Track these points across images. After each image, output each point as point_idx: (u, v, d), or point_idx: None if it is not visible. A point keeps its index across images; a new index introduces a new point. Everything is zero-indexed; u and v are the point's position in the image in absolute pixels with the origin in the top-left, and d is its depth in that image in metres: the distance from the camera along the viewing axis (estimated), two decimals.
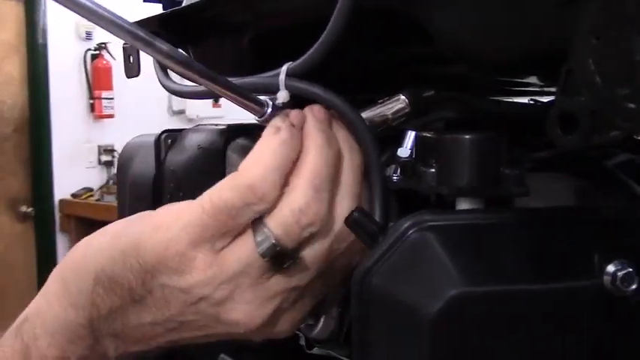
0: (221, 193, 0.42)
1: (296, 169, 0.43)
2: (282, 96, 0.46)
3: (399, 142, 0.50)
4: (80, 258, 0.45)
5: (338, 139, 0.46)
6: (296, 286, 0.44)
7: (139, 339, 0.45)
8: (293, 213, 0.42)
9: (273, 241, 0.42)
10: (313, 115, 0.46)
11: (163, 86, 0.64)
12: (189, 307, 0.43)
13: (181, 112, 3.99)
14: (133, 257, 0.42)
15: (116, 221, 0.46)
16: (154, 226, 0.43)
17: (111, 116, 3.63)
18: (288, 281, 0.43)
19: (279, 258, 0.42)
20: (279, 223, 0.42)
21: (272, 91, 0.47)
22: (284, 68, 0.47)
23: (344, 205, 0.44)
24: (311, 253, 0.43)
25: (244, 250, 0.42)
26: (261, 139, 0.44)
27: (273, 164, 0.42)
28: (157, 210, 0.45)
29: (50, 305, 0.45)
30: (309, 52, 0.46)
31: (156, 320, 0.44)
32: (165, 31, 0.68)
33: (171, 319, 0.43)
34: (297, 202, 0.42)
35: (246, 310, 0.43)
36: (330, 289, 0.48)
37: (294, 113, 0.45)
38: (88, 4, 0.41)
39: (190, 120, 3.94)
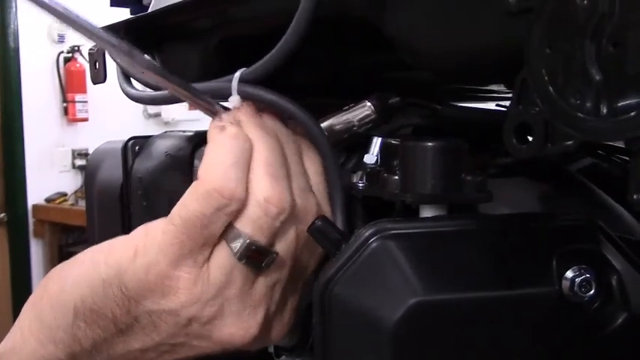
0: (187, 205, 0.41)
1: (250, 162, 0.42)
2: (234, 101, 0.46)
3: (367, 148, 0.50)
4: (56, 291, 0.43)
5: (274, 124, 0.45)
6: (278, 281, 0.43)
7: None
8: (260, 206, 0.41)
9: (247, 241, 0.41)
10: (243, 112, 0.45)
11: (124, 92, 0.63)
12: (180, 329, 0.42)
13: (157, 115, 3.96)
14: (115, 286, 0.41)
15: (89, 249, 0.44)
16: (131, 252, 0.42)
17: (85, 120, 3.59)
18: (270, 279, 0.43)
19: (257, 257, 0.42)
20: (249, 221, 0.41)
21: (226, 96, 0.47)
22: (237, 74, 0.47)
23: (297, 186, 0.43)
24: (285, 243, 0.43)
25: (223, 257, 0.41)
26: (209, 141, 0.43)
27: (231, 160, 0.41)
28: (131, 233, 0.43)
29: (26, 340, 0.43)
30: (264, 59, 0.46)
31: (145, 346, 0.42)
32: (131, 36, 0.67)
33: (162, 342, 0.42)
34: (261, 194, 0.41)
35: (238, 324, 0.42)
36: (309, 276, 0.47)
37: (226, 114, 0.45)
38: (59, 7, 0.41)
39: (166, 123, 3.91)
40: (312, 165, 0.47)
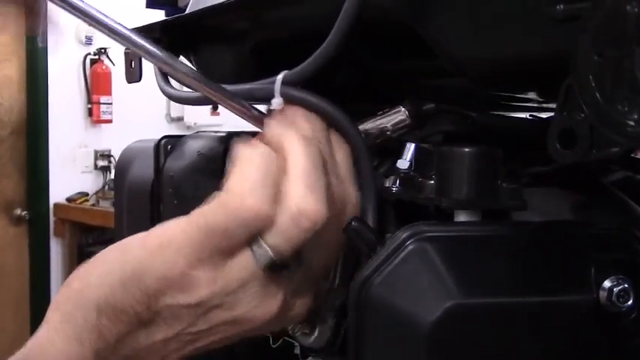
0: (212, 215, 0.41)
1: (284, 174, 0.42)
2: (277, 103, 0.47)
3: (399, 153, 0.50)
4: (79, 290, 0.44)
5: (313, 129, 0.45)
6: (299, 269, 0.44)
7: (150, 358, 0.44)
8: (292, 217, 0.40)
9: (272, 256, 0.41)
10: (284, 116, 0.45)
11: (163, 92, 0.64)
12: (200, 317, 0.43)
13: (179, 119, 3.99)
14: (134, 285, 0.42)
15: (109, 248, 0.45)
16: (149, 250, 0.42)
17: (109, 121, 3.63)
18: (292, 273, 0.43)
19: (282, 266, 0.42)
20: (278, 232, 0.41)
21: (267, 98, 0.47)
22: (280, 76, 0.47)
23: (334, 189, 0.43)
24: (312, 246, 0.43)
25: (246, 261, 0.42)
26: (238, 156, 0.42)
27: (260, 177, 0.41)
28: (149, 232, 0.44)
29: (52, 341, 0.44)
30: (306, 62, 0.46)
31: (167, 336, 0.43)
32: (167, 38, 0.68)
33: (184, 331, 0.43)
34: (295, 205, 0.40)
35: (259, 307, 0.43)
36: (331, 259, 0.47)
37: (268, 130, 0.45)
38: (92, 11, 0.41)
39: (188, 127, 3.95)
40: (340, 152, 0.47)
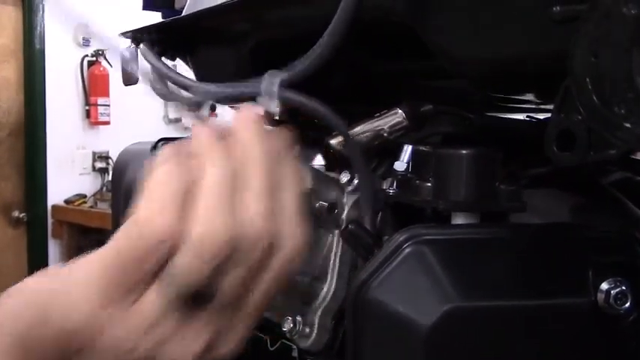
0: (120, 242, 0.38)
1: (194, 194, 0.38)
2: (264, 103, 0.46)
3: (397, 155, 0.50)
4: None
5: (242, 142, 0.40)
6: (221, 309, 0.40)
7: None
8: (193, 247, 0.37)
9: (179, 287, 0.37)
10: (206, 132, 0.41)
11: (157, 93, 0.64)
12: None
13: (177, 120, 3.99)
14: (48, 326, 0.39)
15: (27, 279, 0.42)
16: (60, 287, 0.39)
17: (106, 123, 3.63)
18: (212, 308, 0.40)
19: (193, 298, 0.38)
20: (182, 262, 0.37)
21: (254, 98, 0.47)
22: (265, 76, 0.47)
23: (253, 210, 0.38)
24: (229, 277, 0.38)
25: (157, 296, 0.38)
26: (152, 172, 0.39)
27: (169, 195, 0.37)
28: (66, 266, 0.41)
29: None
30: (298, 61, 0.46)
31: None
32: (164, 40, 0.68)
33: None
34: (195, 233, 0.37)
35: (179, 350, 0.40)
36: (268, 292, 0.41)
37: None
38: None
39: (186, 129, 3.94)
40: (291, 185, 0.41)
